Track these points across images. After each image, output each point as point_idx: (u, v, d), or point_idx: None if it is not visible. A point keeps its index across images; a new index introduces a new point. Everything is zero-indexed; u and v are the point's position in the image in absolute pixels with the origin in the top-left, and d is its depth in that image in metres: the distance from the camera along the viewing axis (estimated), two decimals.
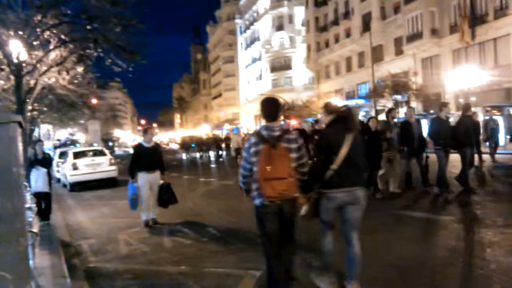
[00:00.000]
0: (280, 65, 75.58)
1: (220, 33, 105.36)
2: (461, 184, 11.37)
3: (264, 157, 4.65)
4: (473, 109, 14.18)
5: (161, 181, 10.18)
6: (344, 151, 4.94)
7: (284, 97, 56.39)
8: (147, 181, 9.96)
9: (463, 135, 11.03)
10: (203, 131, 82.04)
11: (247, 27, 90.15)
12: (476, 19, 32.52)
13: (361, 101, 44.64)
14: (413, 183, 12.35)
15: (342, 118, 5.10)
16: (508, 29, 31.78)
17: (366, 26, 47.50)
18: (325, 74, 59.71)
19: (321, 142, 5.26)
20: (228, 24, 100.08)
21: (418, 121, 12.50)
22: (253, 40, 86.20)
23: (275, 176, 4.59)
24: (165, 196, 10.02)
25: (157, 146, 10.66)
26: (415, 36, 39.81)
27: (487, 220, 8.36)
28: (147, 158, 10.08)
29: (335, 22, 55.63)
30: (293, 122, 44.13)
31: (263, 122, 5.06)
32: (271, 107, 5.01)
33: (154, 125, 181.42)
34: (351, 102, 44.59)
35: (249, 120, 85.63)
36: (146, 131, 10.50)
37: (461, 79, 29.36)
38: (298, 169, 4.90)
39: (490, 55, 33.84)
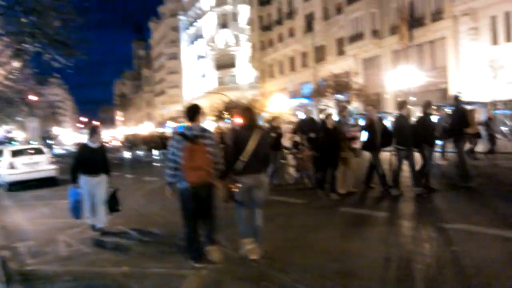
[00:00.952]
0: (225, 63, 75.46)
1: (163, 30, 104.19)
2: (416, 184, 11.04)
3: (188, 152, 6.07)
4: (411, 107, 14.29)
5: (109, 186, 9.27)
6: (250, 146, 6.34)
7: (229, 95, 56.39)
8: (91, 187, 8.93)
9: (421, 133, 10.94)
10: (146, 128, 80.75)
11: (191, 24, 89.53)
12: (414, 22, 33.66)
13: (304, 101, 45.26)
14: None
15: (251, 122, 6.63)
16: (443, 32, 33.08)
17: (309, 26, 48.21)
18: (269, 73, 60.12)
19: (232, 138, 6.82)
20: (171, 20, 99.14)
21: (380, 119, 12.25)
22: (197, 37, 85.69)
23: (197, 166, 6.07)
24: (110, 203, 9.14)
25: (102, 147, 9.54)
26: (356, 37, 40.73)
27: (427, 217, 8.67)
28: (92, 160, 8.99)
29: (279, 22, 56.10)
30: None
31: (187, 123, 6.51)
32: (192, 112, 6.46)
33: (96, 122, 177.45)
34: (295, 102, 45.17)
35: None
36: (93, 130, 9.32)
37: (400, 79, 30.28)
38: (214, 160, 6.34)
39: (428, 56, 35.17)
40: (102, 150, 9.40)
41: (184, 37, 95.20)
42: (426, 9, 34.70)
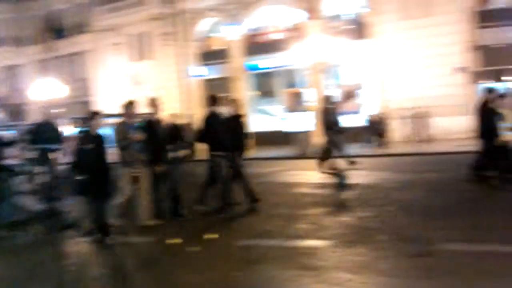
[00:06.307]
0: None
1: None
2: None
3: None
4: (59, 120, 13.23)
5: None
6: None
7: None
8: None
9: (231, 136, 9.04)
10: None
11: None
12: (58, 33, 33.57)
13: None
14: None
15: None
16: (86, 45, 33.83)
17: None
18: None
19: None
20: None
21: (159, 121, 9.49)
22: None
23: None
24: None
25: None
26: None
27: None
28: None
29: None
30: None
31: None
32: None
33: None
34: None
35: None
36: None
37: (44, 90, 29.69)
38: None
39: (71, 68, 35.53)
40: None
41: None
42: (70, 21, 34.99)
